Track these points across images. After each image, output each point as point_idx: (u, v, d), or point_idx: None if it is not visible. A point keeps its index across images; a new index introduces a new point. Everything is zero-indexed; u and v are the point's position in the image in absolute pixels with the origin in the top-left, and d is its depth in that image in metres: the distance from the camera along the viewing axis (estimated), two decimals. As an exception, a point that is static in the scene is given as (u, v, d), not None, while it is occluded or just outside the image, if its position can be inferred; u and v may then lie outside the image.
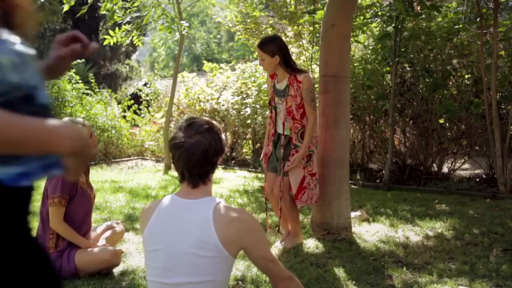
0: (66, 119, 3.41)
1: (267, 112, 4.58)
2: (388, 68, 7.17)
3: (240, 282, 3.22)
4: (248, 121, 8.85)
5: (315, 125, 3.92)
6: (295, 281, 2.12)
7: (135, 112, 11.39)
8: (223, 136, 2.05)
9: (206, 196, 2.01)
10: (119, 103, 11.98)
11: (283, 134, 3.92)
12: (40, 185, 6.81)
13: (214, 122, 2.07)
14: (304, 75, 3.82)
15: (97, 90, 10.92)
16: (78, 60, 11.90)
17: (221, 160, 2.17)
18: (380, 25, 7.21)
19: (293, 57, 5.73)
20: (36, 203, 5.24)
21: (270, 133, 4.05)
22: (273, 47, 3.81)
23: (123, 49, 18.75)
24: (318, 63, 4.56)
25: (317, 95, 4.21)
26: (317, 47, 7.33)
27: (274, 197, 4.05)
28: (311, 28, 7.30)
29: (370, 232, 4.37)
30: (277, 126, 4.01)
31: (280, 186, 3.92)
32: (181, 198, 2.01)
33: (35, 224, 4.08)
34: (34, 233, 3.38)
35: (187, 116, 2.08)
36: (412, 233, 4.35)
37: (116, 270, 3.43)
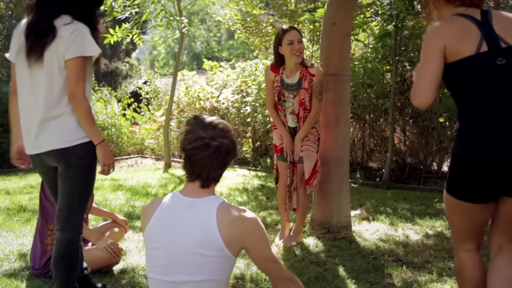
0: None
1: (267, 111, 4.55)
2: (388, 67, 7.17)
3: (240, 280, 3.22)
4: (248, 120, 8.85)
5: (319, 113, 3.97)
6: (295, 282, 2.11)
7: (135, 110, 11.39)
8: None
9: (210, 195, 2.00)
10: (119, 101, 11.98)
11: (299, 126, 3.93)
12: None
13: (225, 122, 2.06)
14: (316, 68, 3.88)
15: (97, 88, 10.92)
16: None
17: None
18: (380, 24, 7.20)
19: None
20: (36, 201, 5.25)
21: (282, 125, 4.01)
22: None
23: (123, 47, 18.74)
24: (318, 61, 4.55)
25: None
26: (317, 46, 7.33)
27: (286, 188, 4.05)
28: (311, 27, 7.30)
29: (370, 231, 4.37)
30: (287, 121, 4.01)
31: (294, 174, 3.99)
32: (184, 196, 2.00)
33: (34, 221, 4.08)
34: (33, 230, 3.31)
35: (199, 115, 2.06)
36: (412, 232, 4.35)
37: (116, 268, 3.43)
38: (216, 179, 2.01)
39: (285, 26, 3.97)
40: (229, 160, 1.99)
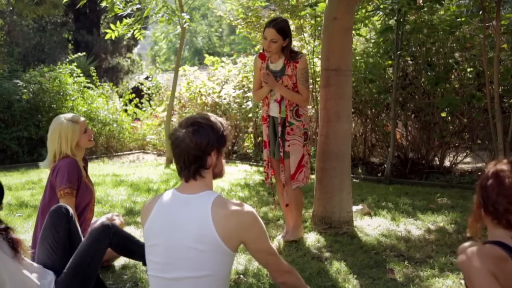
0: (66, 115, 3.38)
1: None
2: (390, 62, 7.15)
3: (241, 275, 3.22)
4: (250, 115, 8.84)
5: (306, 102, 3.96)
6: (294, 274, 2.11)
7: (136, 106, 11.39)
8: (221, 131, 2.03)
9: (206, 190, 2.00)
10: (120, 96, 11.97)
11: (279, 116, 3.90)
12: (42, 178, 6.78)
13: (212, 117, 2.05)
14: (300, 56, 3.89)
15: (99, 83, 10.93)
16: (79, 54, 11.88)
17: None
18: (382, 19, 7.17)
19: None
20: (37, 197, 5.25)
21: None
22: (287, 30, 3.85)
23: (124, 42, 18.70)
24: (320, 56, 4.54)
25: (318, 88, 4.20)
26: (319, 41, 7.31)
27: (281, 184, 4.04)
28: (312, 22, 7.27)
29: (371, 226, 4.36)
30: (270, 109, 4.00)
31: (282, 171, 3.95)
32: (180, 193, 2.01)
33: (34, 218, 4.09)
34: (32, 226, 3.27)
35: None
36: (414, 227, 4.35)
37: (118, 264, 3.43)
38: (193, 172, 1.99)
39: (270, 19, 3.97)
40: (199, 152, 1.97)
